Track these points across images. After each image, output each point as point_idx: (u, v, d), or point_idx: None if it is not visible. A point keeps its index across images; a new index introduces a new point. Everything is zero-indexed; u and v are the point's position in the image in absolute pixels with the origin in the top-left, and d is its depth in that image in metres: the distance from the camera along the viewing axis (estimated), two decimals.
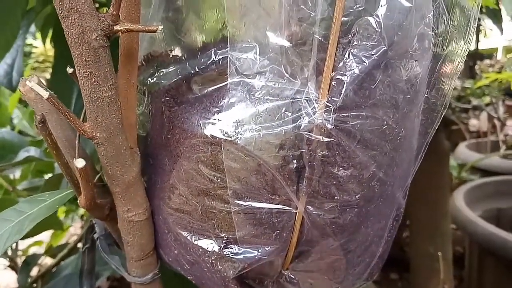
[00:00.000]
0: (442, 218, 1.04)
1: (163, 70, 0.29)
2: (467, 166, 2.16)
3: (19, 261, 1.02)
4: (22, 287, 0.71)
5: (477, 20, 0.24)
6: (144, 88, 0.30)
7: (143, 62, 0.30)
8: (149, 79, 0.29)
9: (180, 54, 0.29)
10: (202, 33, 0.29)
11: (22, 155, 0.58)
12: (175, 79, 0.28)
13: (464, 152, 2.37)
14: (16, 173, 0.97)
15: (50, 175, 0.92)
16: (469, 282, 1.45)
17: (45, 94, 0.23)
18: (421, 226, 1.07)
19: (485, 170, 2.15)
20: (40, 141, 0.90)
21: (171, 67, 0.28)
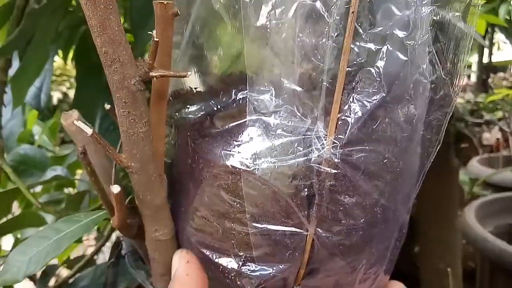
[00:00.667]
0: (452, 234, 1.05)
1: (188, 106, 0.32)
2: (479, 181, 2.15)
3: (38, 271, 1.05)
4: None
5: (466, 65, 0.27)
6: (171, 121, 0.34)
7: (171, 98, 0.34)
8: (176, 113, 0.33)
9: (204, 92, 0.33)
10: (223, 74, 0.33)
11: (50, 173, 0.62)
12: (200, 115, 0.32)
13: (476, 167, 2.36)
14: (37, 187, 1.01)
15: (70, 189, 0.96)
16: None
17: (89, 131, 0.27)
18: (431, 242, 1.08)
19: (497, 186, 2.14)
20: (62, 157, 0.95)
21: (196, 104, 0.32)
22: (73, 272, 0.83)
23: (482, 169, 2.28)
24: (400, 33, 0.24)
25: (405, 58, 0.25)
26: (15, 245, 0.85)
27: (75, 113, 0.32)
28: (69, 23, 0.75)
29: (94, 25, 0.25)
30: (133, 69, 0.27)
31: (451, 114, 0.28)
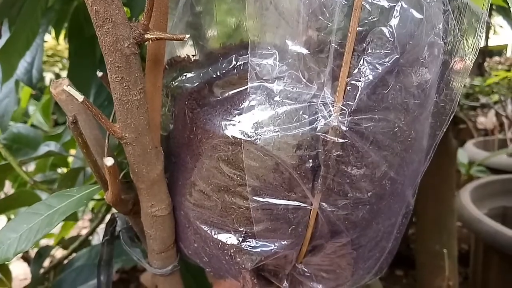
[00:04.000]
0: (448, 216, 1.05)
1: (186, 74, 0.31)
2: (475, 164, 2.16)
3: (31, 252, 1.04)
4: (35, 277, 0.73)
5: (485, 24, 0.25)
6: (167, 90, 0.32)
7: (167, 66, 0.32)
8: (172, 82, 0.31)
9: (202, 59, 0.31)
10: (222, 39, 0.31)
11: (43, 149, 0.60)
12: (197, 83, 0.30)
13: (471, 150, 2.37)
14: (30, 166, 1.00)
15: (64, 169, 0.94)
16: (474, 279, 1.47)
17: (80, 97, 0.25)
18: (427, 223, 1.08)
19: (492, 168, 2.15)
20: (56, 136, 0.93)
21: (193, 72, 0.30)
22: (68, 252, 0.82)
23: (477, 152, 2.29)
24: None
25: (421, 16, 0.23)
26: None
27: (65, 80, 0.30)
28: None
29: None
30: (126, 30, 0.25)
31: (466, 78, 0.26)
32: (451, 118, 0.27)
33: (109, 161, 0.28)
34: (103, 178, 0.31)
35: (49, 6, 0.70)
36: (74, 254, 0.81)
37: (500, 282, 1.33)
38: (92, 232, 0.87)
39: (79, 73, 0.68)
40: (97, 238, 1.22)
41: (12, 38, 0.57)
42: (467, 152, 2.35)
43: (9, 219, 0.90)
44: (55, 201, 0.33)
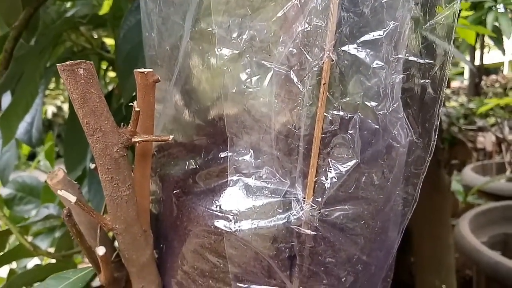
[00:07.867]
0: (445, 252, 1.05)
1: (172, 162, 0.33)
2: (473, 190, 2.16)
3: None
4: None
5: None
6: (156, 176, 0.34)
7: (155, 153, 0.34)
8: (160, 169, 0.34)
9: (187, 149, 0.33)
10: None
11: (42, 211, 0.63)
12: (183, 172, 0.32)
13: (469, 175, 2.37)
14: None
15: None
16: None
17: (73, 199, 0.28)
18: (425, 259, 1.09)
19: (491, 194, 2.15)
20: None
21: (179, 161, 0.32)
22: None
23: (475, 177, 2.29)
24: (371, 103, 0.25)
25: (377, 126, 0.25)
26: (10, 274, 0.86)
27: (60, 172, 0.33)
28: (59, 57, 0.76)
29: (75, 98, 0.26)
30: (115, 137, 0.27)
31: (424, 173, 0.29)
32: (414, 207, 0.30)
33: (101, 250, 0.30)
34: (96, 262, 0.33)
35: (47, 67, 0.74)
36: None
37: None
38: None
39: (78, 132, 0.70)
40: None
41: (12, 104, 0.60)
42: (465, 177, 2.35)
43: (11, 269, 0.91)
44: (53, 283, 0.35)
